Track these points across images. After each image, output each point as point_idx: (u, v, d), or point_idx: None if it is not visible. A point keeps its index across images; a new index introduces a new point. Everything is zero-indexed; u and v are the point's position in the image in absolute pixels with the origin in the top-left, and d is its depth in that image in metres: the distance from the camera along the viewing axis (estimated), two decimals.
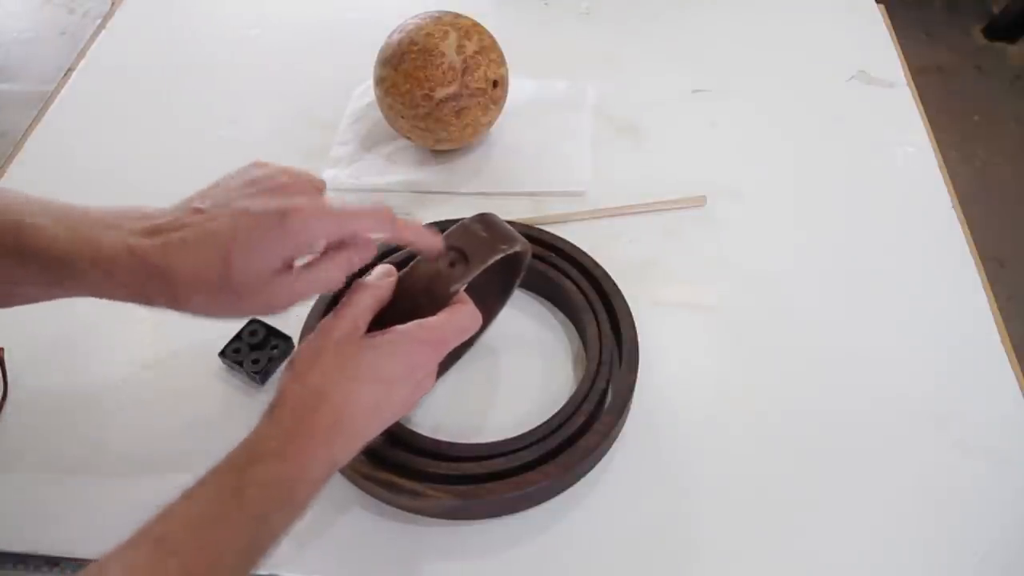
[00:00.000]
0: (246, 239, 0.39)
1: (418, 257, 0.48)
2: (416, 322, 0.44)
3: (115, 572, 0.33)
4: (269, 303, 0.41)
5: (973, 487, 0.52)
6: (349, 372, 0.41)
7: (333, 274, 0.42)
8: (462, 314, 0.46)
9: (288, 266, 0.41)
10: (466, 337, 0.46)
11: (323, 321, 0.44)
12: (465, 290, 0.48)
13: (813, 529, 0.50)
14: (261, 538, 0.37)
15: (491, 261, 0.48)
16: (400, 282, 0.47)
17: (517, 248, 0.50)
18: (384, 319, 0.45)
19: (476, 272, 0.47)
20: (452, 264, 0.47)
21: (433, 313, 0.45)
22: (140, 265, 0.39)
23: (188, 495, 0.36)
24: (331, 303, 0.57)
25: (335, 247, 0.42)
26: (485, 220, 0.50)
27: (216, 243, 0.39)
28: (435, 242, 0.47)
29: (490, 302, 0.57)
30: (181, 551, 0.34)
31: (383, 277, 0.46)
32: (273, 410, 0.40)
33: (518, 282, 0.57)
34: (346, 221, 0.42)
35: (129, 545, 0.34)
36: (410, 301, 0.46)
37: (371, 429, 0.43)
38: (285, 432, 0.39)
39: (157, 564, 0.34)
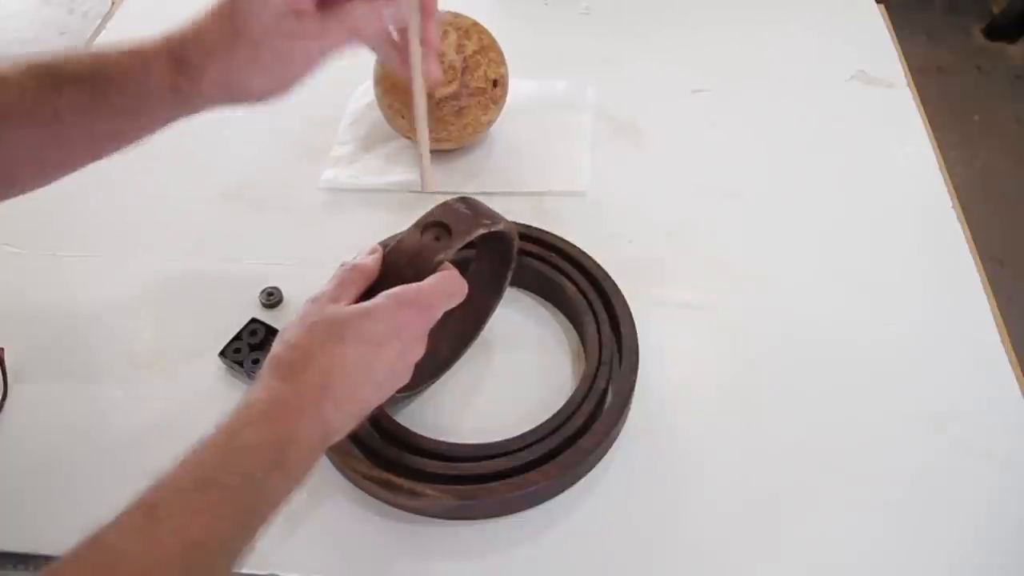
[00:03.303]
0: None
1: (402, 233, 0.49)
2: (400, 286, 0.44)
3: (111, 540, 0.33)
4: (291, 54, 0.42)
5: (973, 487, 0.52)
6: (335, 334, 0.42)
7: (365, 13, 0.42)
8: (446, 278, 0.46)
9: (298, 13, 0.42)
10: (453, 303, 0.47)
11: (310, 296, 0.45)
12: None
13: (812, 529, 0.50)
14: (257, 503, 0.37)
15: (475, 234, 0.48)
16: (386, 258, 0.48)
17: (500, 227, 0.50)
18: (372, 294, 0.45)
19: (460, 244, 0.48)
20: (436, 239, 0.48)
21: (418, 280, 0.46)
22: (164, 46, 0.42)
23: (180, 463, 0.36)
24: None
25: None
26: (467, 201, 0.51)
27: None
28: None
29: (484, 297, 0.57)
30: (175, 516, 0.34)
31: (368, 255, 0.47)
32: (261, 376, 0.41)
33: (510, 273, 0.57)
34: None
35: (123, 514, 0.34)
36: (396, 276, 0.47)
37: (364, 392, 0.43)
38: (272, 394, 0.39)
39: (151, 530, 0.34)
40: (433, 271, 0.46)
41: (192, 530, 0.34)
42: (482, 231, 0.49)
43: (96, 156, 0.46)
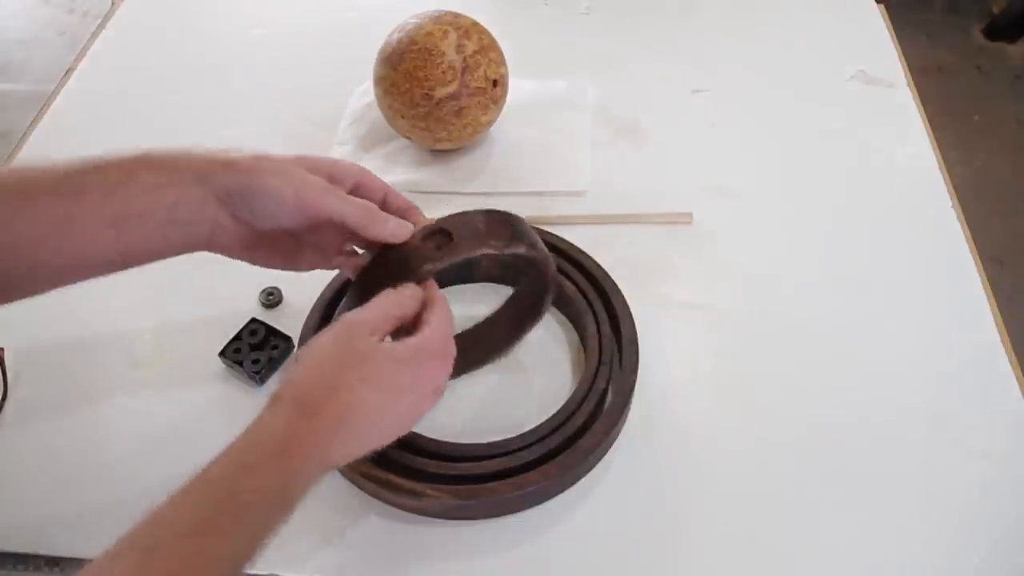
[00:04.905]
0: (309, 182, 0.45)
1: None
2: (426, 337, 0.43)
3: None
4: (310, 260, 0.50)
5: (973, 488, 0.52)
6: (363, 375, 0.41)
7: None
8: (444, 321, 0.45)
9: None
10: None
11: (346, 316, 0.43)
12: (495, 312, 0.50)
13: (812, 529, 0.50)
14: (252, 542, 0.37)
15: (476, 253, 0.46)
16: (383, 248, 0.47)
17: (521, 250, 0.47)
18: (360, 284, 0.45)
19: (451, 261, 0.46)
20: (438, 247, 0.46)
21: (398, 282, 0.45)
22: (233, 175, 0.44)
23: (178, 501, 0.35)
24: (327, 308, 0.58)
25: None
26: (490, 215, 0.48)
27: (292, 176, 0.45)
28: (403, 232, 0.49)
29: (515, 324, 0.56)
30: (171, 560, 0.33)
31: (412, 297, 0.45)
32: (277, 402, 0.40)
33: (548, 301, 0.54)
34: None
35: (116, 555, 0.33)
36: (379, 269, 0.46)
37: (370, 436, 0.42)
38: (287, 429, 0.39)
39: (145, 573, 0.33)
40: (417, 275, 0.45)
41: (187, 574, 0.34)
42: (482, 252, 0.46)
43: (107, 249, 0.44)
